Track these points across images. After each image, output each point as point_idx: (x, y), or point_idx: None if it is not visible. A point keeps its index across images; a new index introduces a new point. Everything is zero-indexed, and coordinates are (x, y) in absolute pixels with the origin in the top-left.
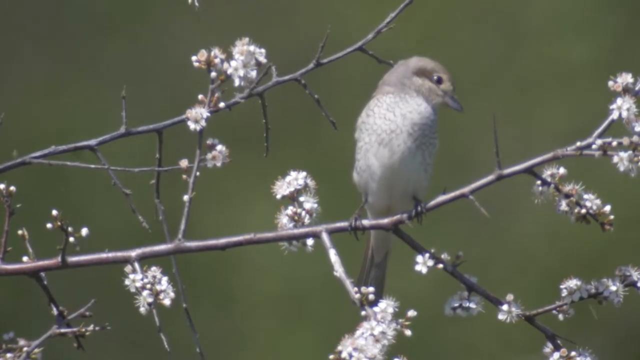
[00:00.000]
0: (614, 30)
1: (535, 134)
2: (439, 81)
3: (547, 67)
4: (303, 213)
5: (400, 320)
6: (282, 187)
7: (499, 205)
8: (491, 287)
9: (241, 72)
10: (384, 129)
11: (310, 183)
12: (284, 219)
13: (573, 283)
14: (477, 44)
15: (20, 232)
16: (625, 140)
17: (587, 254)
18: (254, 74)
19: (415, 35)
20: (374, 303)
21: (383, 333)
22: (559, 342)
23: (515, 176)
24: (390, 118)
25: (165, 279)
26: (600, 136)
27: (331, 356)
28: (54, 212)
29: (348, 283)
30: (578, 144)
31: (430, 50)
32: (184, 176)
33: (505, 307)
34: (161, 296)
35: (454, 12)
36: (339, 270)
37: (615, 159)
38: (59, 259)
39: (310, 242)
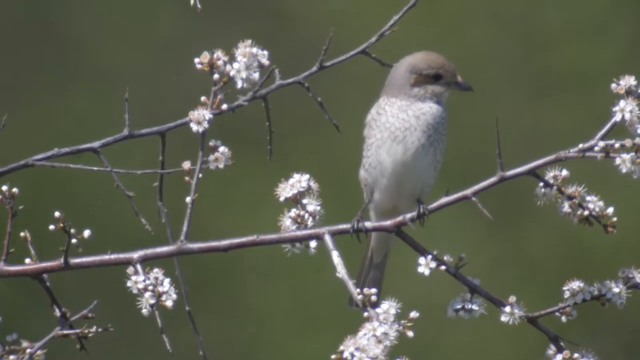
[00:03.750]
0: (625, 35)
1: (546, 136)
2: (437, 77)
3: (558, 71)
4: (306, 215)
5: (402, 322)
6: (285, 190)
7: (502, 206)
8: (494, 289)
9: (244, 74)
10: (398, 126)
11: (314, 185)
12: (287, 221)
13: (576, 285)
14: (486, 45)
15: (22, 234)
16: (628, 142)
17: (592, 255)
18: (256, 75)
19: (421, 36)
20: (375, 304)
21: (385, 334)
22: (562, 344)
23: (519, 178)
24: (403, 117)
25: (167, 281)
26: (603, 138)
27: (333, 356)
28: (57, 214)
29: (351, 284)
30: (580, 146)
31: (439, 50)
32: (187, 178)
33: (507, 309)
34: (163, 298)
35: (461, 14)
36: (341, 272)
37: (618, 161)
38: (62, 260)
39: (313, 244)
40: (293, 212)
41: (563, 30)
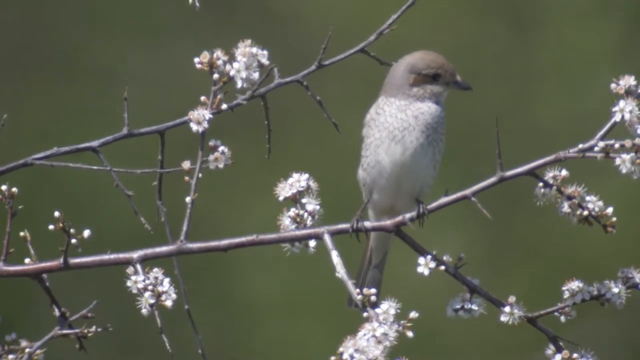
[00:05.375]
0: (622, 19)
1: (543, 123)
2: (436, 77)
3: (556, 58)
4: (305, 215)
5: (402, 322)
6: (285, 189)
7: (502, 205)
8: (494, 288)
9: (243, 74)
10: (396, 126)
11: (313, 185)
12: (286, 221)
13: (575, 285)
14: (482, 34)
15: (22, 233)
16: (628, 143)
17: (591, 255)
18: (256, 75)
19: (419, 27)
20: (374, 304)
21: (385, 334)
22: (561, 343)
23: (518, 177)
24: (402, 117)
25: (167, 280)
26: (602, 138)
27: (332, 357)
28: (56, 214)
29: (350, 284)
30: (580, 146)
31: (434, 42)
32: (186, 178)
33: (507, 308)
34: (163, 297)
35: (459, 2)
36: (340, 272)
37: (618, 161)
38: (61, 260)
39: (312, 243)
40: (292, 212)
41: (559, 18)
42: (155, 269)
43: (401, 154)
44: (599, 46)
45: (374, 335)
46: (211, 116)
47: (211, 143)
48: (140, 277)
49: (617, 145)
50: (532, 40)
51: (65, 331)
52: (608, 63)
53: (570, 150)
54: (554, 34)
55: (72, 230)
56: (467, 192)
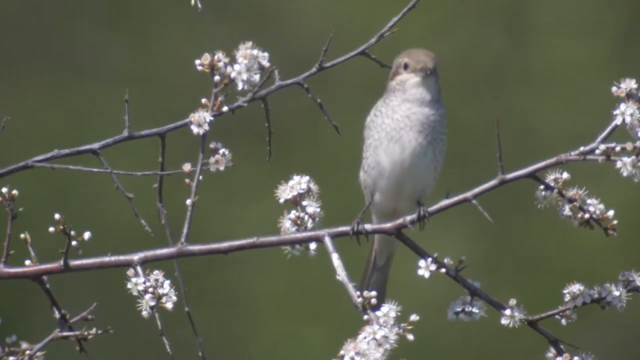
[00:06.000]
0: (617, 28)
1: (539, 131)
2: (405, 67)
3: (551, 65)
4: (306, 217)
5: (402, 325)
6: (285, 191)
7: (502, 207)
8: (495, 290)
9: (244, 76)
10: (393, 126)
11: (313, 187)
12: (286, 223)
13: (576, 288)
14: (480, 42)
15: (22, 235)
16: (629, 146)
17: (592, 258)
18: (257, 77)
19: (418, 33)
20: (376, 307)
21: (385, 337)
22: (562, 347)
23: (519, 180)
24: (397, 118)
25: (167, 283)
26: (603, 141)
27: None
28: (57, 216)
29: (350, 287)
30: (581, 148)
31: (434, 46)
32: (187, 180)
33: (508, 311)
34: (163, 300)
35: (457, 10)
36: (341, 274)
37: (619, 164)
38: (62, 262)
39: (313, 246)
40: (293, 214)
41: (555, 26)
42: (156, 271)
43: (400, 154)
44: (596, 51)
45: (374, 338)
46: (212, 118)
47: (212, 145)
48: (141, 279)
49: (618, 148)
50: (531, 45)
51: (65, 333)
52: (605, 68)
53: (572, 153)
54: (551, 40)
55: (72, 232)
56: (468, 194)
